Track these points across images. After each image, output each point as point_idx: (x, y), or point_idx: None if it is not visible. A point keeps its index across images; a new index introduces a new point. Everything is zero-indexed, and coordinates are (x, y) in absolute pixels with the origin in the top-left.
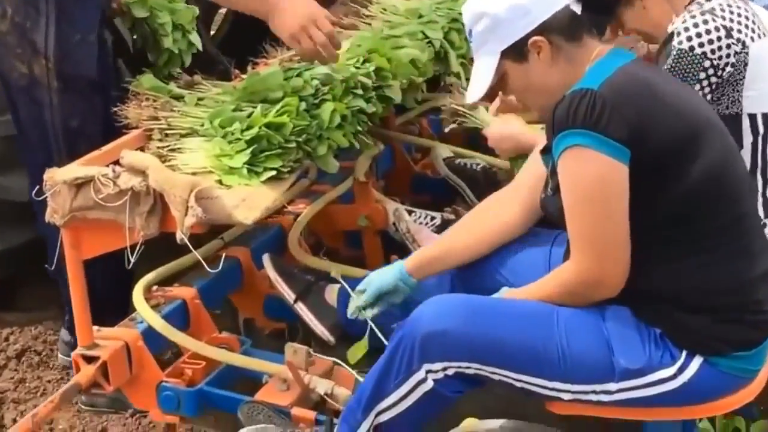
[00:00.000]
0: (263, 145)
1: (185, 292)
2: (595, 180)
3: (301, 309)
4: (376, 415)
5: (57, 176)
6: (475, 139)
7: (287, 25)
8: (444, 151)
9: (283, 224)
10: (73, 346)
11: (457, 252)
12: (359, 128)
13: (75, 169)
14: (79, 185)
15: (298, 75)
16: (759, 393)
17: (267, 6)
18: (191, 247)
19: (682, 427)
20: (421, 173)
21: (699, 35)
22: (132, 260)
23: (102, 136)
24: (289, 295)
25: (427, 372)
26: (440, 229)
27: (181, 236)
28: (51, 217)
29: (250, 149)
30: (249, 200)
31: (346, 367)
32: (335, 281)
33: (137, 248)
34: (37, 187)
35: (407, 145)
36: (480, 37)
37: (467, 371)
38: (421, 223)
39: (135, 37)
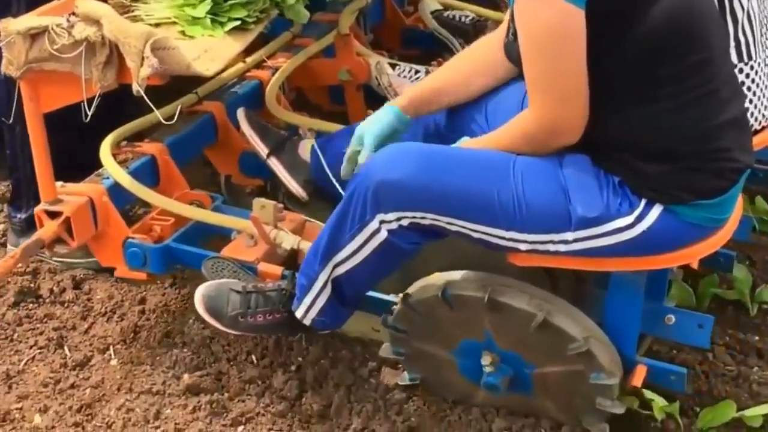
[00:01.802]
0: None
1: (154, 147)
2: (550, 25)
3: (274, 164)
4: (333, 268)
5: (11, 26)
6: None
7: None
8: (433, 3)
9: (261, 79)
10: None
11: (445, 90)
12: None
13: (29, 20)
14: (34, 36)
15: None
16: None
17: None
18: (148, 100)
19: (648, 278)
20: (412, 26)
21: None
22: (89, 113)
23: None
24: (262, 149)
25: (381, 222)
26: None
27: (137, 88)
28: (6, 69)
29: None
30: (211, 51)
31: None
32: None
33: (94, 100)
34: None
35: None
36: None
37: (422, 221)
38: (405, 77)
39: None
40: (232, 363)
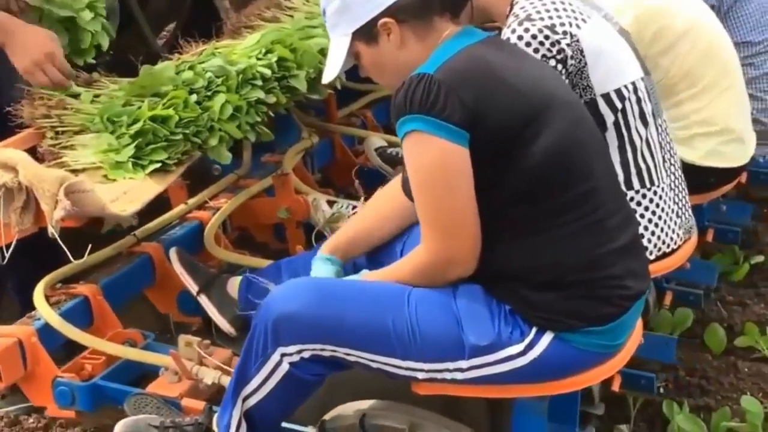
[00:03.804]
0: (149, 138)
1: (87, 289)
2: (434, 164)
3: (204, 301)
4: (243, 401)
5: None
6: None
7: (21, 61)
8: (377, 140)
9: (202, 219)
10: None
11: (364, 233)
12: (258, 119)
13: None
14: None
15: (191, 68)
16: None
17: (2, 35)
18: (61, 243)
19: (556, 405)
20: (362, 164)
21: (528, 44)
22: (6, 256)
23: None
24: (192, 287)
25: (282, 355)
26: None
27: (51, 231)
28: None
29: (135, 143)
30: (131, 193)
31: None
32: (241, 273)
33: (12, 244)
34: None
35: (350, 137)
36: (332, 18)
37: (323, 353)
38: (343, 213)
39: None
40: None
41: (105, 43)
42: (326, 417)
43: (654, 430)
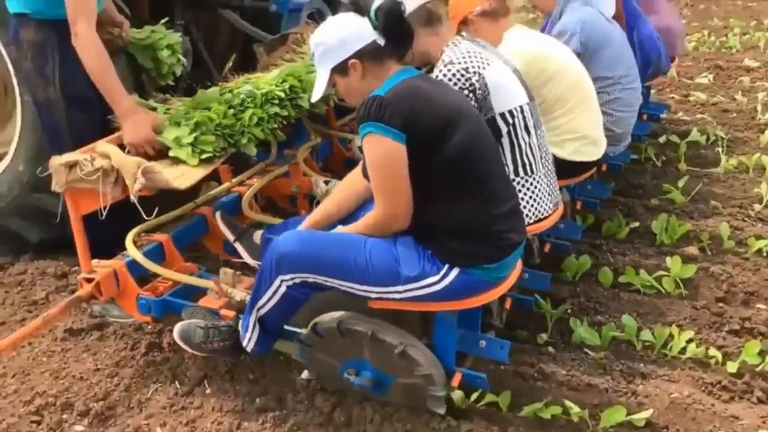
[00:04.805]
0: (203, 129)
1: (162, 237)
2: (382, 155)
3: (238, 247)
4: (257, 311)
5: (55, 160)
6: None
7: (129, 137)
8: (359, 141)
9: (241, 192)
10: None
11: (333, 210)
12: (275, 126)
13: (67, 156)
14: (71, 166)
15: (230, 91)
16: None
17: (120, 111)
18: (139, 207)
19: (465, 316)
20: (351, 157)
21: (450, 80)
22: (104, 213)
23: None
24: (230, 237)
25: (282, 281)
26: None
27: (133, 198)
28: (55, 187)
29: (194, 135)
30: (186, 174)
31: None
32: (262, 228)
33: (107, 207)
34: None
35: (343, 139)
36: (318, 59)
37: (308, 280)
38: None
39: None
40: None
41: (178, 72)
42: (317, 320)
43: (564, 338)
